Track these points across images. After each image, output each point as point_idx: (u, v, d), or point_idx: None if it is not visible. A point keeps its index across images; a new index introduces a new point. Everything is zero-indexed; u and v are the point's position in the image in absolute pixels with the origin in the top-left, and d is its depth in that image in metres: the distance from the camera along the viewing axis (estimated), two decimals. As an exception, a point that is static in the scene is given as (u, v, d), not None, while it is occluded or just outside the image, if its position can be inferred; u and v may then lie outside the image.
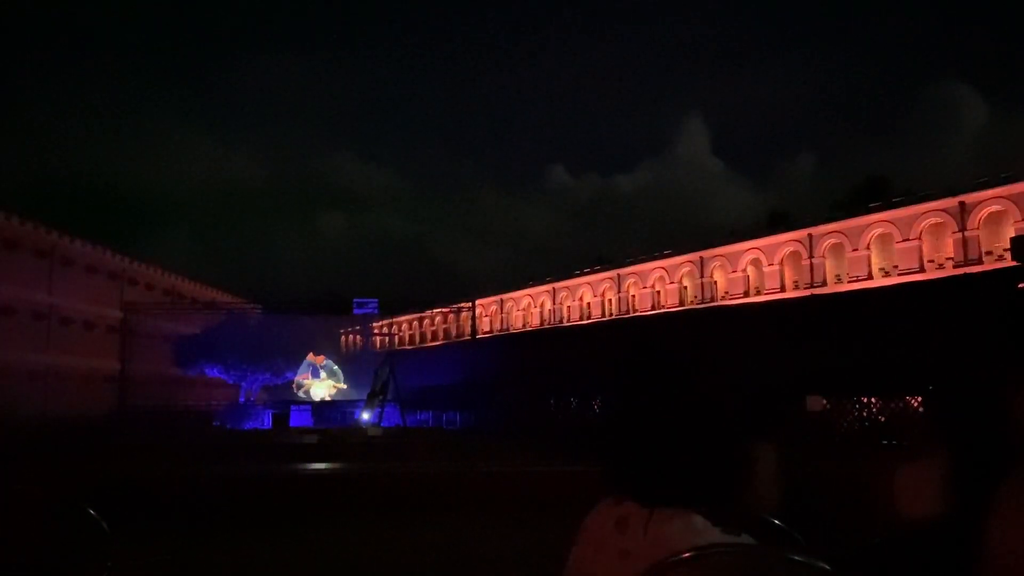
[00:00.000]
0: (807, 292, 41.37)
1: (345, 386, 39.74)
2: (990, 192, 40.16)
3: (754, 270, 51.51)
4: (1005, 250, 38.76)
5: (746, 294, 50.03)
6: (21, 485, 2.45)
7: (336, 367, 40.59)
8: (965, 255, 40.30)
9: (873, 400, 16.19)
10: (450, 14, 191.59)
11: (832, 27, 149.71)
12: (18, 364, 39.92)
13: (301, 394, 39.03)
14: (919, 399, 14.63)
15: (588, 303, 62.77)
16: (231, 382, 42.78)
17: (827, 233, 47.09)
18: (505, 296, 70.50)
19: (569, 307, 64.30)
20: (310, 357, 39.75)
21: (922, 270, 41.11)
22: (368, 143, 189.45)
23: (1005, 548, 1.58)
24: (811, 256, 47.70)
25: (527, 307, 68.82)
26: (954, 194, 41.47)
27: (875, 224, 44.85)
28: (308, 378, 39.68)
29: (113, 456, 14.66)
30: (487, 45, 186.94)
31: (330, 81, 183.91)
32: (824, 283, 45.83)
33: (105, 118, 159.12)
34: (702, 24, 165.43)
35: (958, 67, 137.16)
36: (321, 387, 39.80)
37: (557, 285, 65.85)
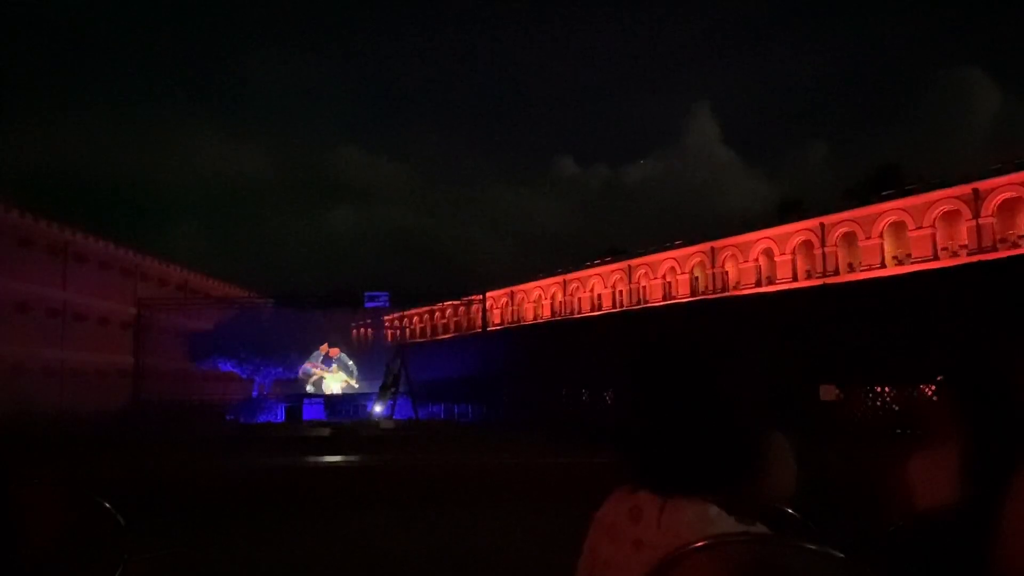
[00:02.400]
0: (819, 281, 41.17)
1: (357, 384, 39.89)
2: (1004, 179, 39.80)
3: (766, 260, 51.32)
4: (1020, 237, 38.57)
5: (758, 284, 49.82)
6: (37, 480, 2.47)
7: (350, 362, 40.73)
8: (979, 242, 40.00)
9: (887, 389, 16.13)
10: (458, 6, 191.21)
11: (843, 13, 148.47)
12: (33, 360, 40.27)
13: (310, 385, 39.22)
14: (933, 387, 14.56)
15: (599, 294, 62.72)
16: (244, 376, 43.04)
17: (839, 222, 46.83)
18: (516, 288, 70.54)
19: (580, 298, 64.28)
20: (323, 349, 39.89)
21: (936, 258, 40.83)
22: (377, 137, 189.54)
23: (1019, 534, 1.57)
24: (823, 245, 47.48)
25: (538, 299, 68.84)
26: (968, 181, 41.14)
27: (888, 212, 44.56)
28: (317, 367, 39.83)
29: (128, 450, 14.79)
30: (494, 37, 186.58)
31: (338, 75, 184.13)
32: (837, 272, 45.60)
33: (115, 114, 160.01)
34: (710, 12, 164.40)
35: (970, 52, 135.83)
36: (333, 380, 39.97)
37: (568, 276, 65.83)
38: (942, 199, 42.21)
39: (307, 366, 40.04)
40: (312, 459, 13.65)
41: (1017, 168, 39.37)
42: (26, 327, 40.43)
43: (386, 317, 67.34)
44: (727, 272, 53.29)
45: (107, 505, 2.48)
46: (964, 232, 41.32)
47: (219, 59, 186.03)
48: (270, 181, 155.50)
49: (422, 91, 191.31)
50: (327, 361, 39.99)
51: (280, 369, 41.90)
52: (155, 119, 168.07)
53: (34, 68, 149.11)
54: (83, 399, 38.81)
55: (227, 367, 42.59)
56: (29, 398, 31.59)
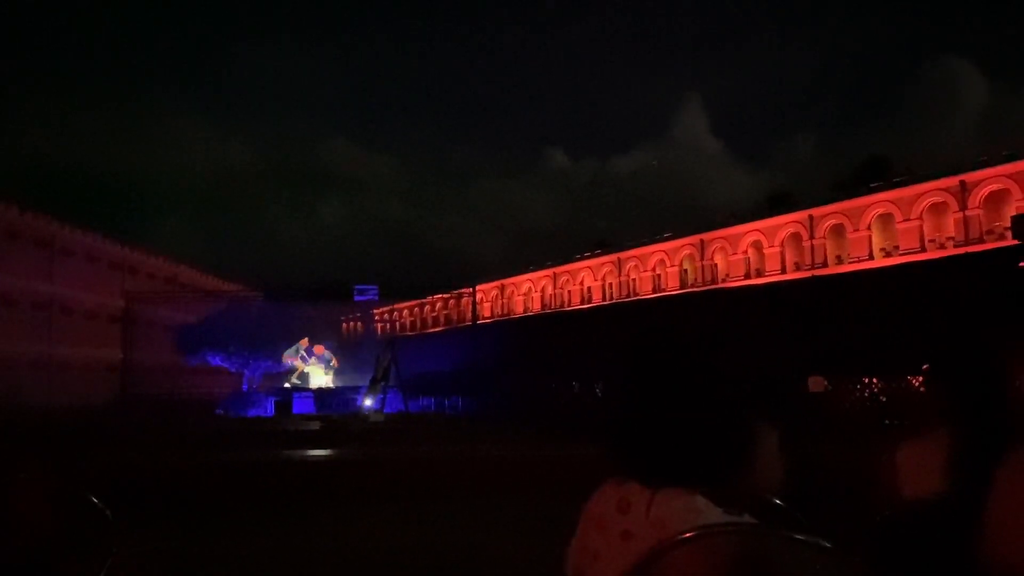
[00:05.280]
0: (808, 273, 41.35)
1: (329, 376, 39.87)
2: (991, 171, 40.05)
3: (755, 252, 51.49)
4: (1006, 229, 38.76)
5: (747, 276, 50.01)
6: (25, 474, 2.46)
7: (331, 358, 40.65)
8: (966, 234, 40.25)
9: (875, 380, 16.23)
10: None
11: (831, 5, 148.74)
12: (20, 354, 40.02)
13: (294, 379, 39.15)
14: (920, 379, 14.66)
15: (589, 287, 62.80)
16: (233, 370, 42.90)
17: (828, 214, 47.03)
18: (506, 281, 70.54)
19: (570, 291, 64.34)
20: (304, 343, 39.81)
21: (923, 250, 41.08)
22: (365, 129, 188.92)
23: (1006, 523, 1.59)
24: (812, 237, 47.66)
25: (528, 292, 68.86)
26: (955, 173, 41.37)
27: (876, 204, 44.78)
28: (296, 360, 39.78)
29: (116, 444, 14.71)
30: (484, 28, 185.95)
31: (326, 67, 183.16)
32: (825, 264, 45.83)
33: (103, 106, 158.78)
34: (700, 4, 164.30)
35: (958, 44, 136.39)
36: (315, 372, 39.93)
37: (558, 269, 65.87)
38: (929, 191, 42.44)
39: (287, 360, 39.98)
40: (302, 453, 13.63)
41: (1004, 160, 39.61)
42: (12, 321, 40.17)
43: (376, 310, 67.16)
44: (716, 264, 53.44)
45: (95, 500, 2.47)
46: (951, 224, 41.57)
47: (207, 51, 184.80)
48: (259, 174, 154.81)
49: (411, 84, 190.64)
50: (307, 355, 39.90)
51: (269, 362, 41.78)
52: (143, 111, 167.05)
53: (20, 60, 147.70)
54: (71, 393, 38.60)
55: (216, 361, 42.45)
56: (16, 392, 31.38)
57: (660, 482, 1.25)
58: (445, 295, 63.94)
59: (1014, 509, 1.60)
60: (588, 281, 63.06)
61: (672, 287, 54.16)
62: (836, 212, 46.63)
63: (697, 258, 54.64)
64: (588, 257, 63.59)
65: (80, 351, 45.39)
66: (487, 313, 68.09)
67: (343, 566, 7.05)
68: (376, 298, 42.06)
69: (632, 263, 59.37)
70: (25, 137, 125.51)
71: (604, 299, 58.82)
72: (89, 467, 9.57)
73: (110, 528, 2.42)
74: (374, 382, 31.54)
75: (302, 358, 39.73)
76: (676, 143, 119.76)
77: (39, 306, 43.45)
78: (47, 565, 2.34)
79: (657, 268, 57.50)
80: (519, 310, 67.47)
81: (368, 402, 31.12)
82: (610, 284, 60.88)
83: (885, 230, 44.60)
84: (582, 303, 60.25)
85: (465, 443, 14.35)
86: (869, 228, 45.08)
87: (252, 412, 33.60)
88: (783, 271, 48.04)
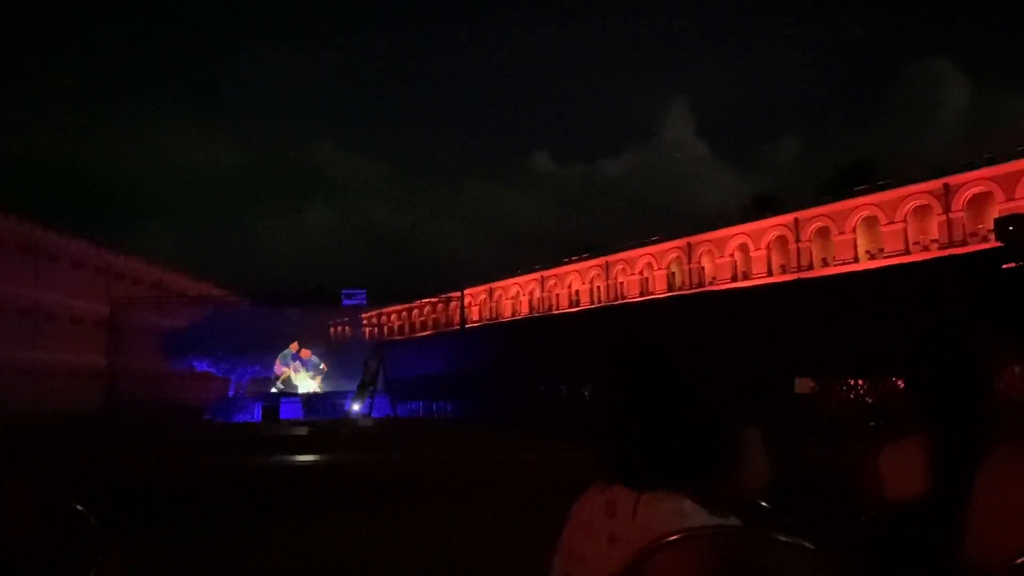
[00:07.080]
0: (794, 276, 41.55)
1: (317, 383, 39.73)
2: (974, 174, 40.42)
3: (741, 255, 51.70)
4: (989, 231, 39.11)
5: (734, 279, 50.21)
6: (9, 481, 2.43)
7: (321, 364, 40.53)
8: (950, 237, 40.57)
9: (860, 381, 16.34)
10: (434, 1, 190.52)
11: (816, 8, 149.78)
12: (5, 360, 39.64)
13: (279, 383, 39.05)
14: (904, 379, 14.77)
15: (577, 290, 62.88)
16: (220, 375, 42.72)
17: (813, 217, 47.31)
18: (494, 285, 70.50)
19: (558, 295, 64.39)
20: (294, 347, 39.71)
21: (907, 252, 41.37)
22: (352, 133, 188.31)
23: (989, 523, 1.60)
24: (798, 240, 47.92)
25: (516, 296, 68.85)
26: (939, 176, 41.71)
27: (861, 207, 45.08)
28: (285, 366, 39.70)
29: (102, 451, 14.61)
30: (470, 32, 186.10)
31: (313, 71, 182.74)
32: (811, 267, 46.07)
33: (89, 110, 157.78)
34: (685, 7, 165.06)
35: (942, 47, 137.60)
36: (302, 379, 39.82)
37: (546, 273, 65.91)
38: (914, 194, 42.77)
39: (278, 367, 39.87)
40: (290, 458, 13.58)
41: (986, 163, 39.98)
42: (-3, 327, 39.80)
43: (364, 315, 66.99)
44: (703, 267, 53.64)
45: (79, 507, 2.45)
46: (935, 226, 41.90)
47: (194, 54, 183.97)
48: (246, 178, 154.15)
49: (398, 88, 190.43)
50: (302, 361, 39.77)
51: (257, 368, 41.65)
52: (129, 114, 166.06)
53: (5, 62, 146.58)
54: (56, 400, 38.27)
55: (203, 366, 42.27)
56: (1, 398, 31.11)
57: (647, 485, 1.26)
58: (433, 299, 63.89)
59: (996, 510, 1.61)
60: (576, 284, 63.13)
61: (660, 290, 54.30)
62: (821, 215, 46.92)
63: (684, 261, 54.82)
64: (576, 260, 63.67)
65: (66, 357, 45.01)
66: (475, 317, 68.04)
67: (334, 571, 7.02)
68: (364, 302, 42.11)
69: (620, 266, 59.48)
70: (11, 139, 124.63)
71: (592, 302, 58.89)
72: (74, 474, 9.50)
73: (95, 536, 2.40)
74: (362, 387, 31.49)
75: (298, 364, 39.66)
76: (663, 146, 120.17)
77: (24, 312, 43.07)
78: (31, 573, 2.32)
79: (645, 271, 57.64)
80: (507, 314, 67.45)
81: (356, 407, 31.07)
82: (598, 287, 60.98)
83: (870, 233, 44.90)
84: (570, 306, 60.30)
85: (453, 447, 14.33)
86: (854, 231, 45.37)
87: (240, 417, 33.51)
88: (769, 274, 48.27)
